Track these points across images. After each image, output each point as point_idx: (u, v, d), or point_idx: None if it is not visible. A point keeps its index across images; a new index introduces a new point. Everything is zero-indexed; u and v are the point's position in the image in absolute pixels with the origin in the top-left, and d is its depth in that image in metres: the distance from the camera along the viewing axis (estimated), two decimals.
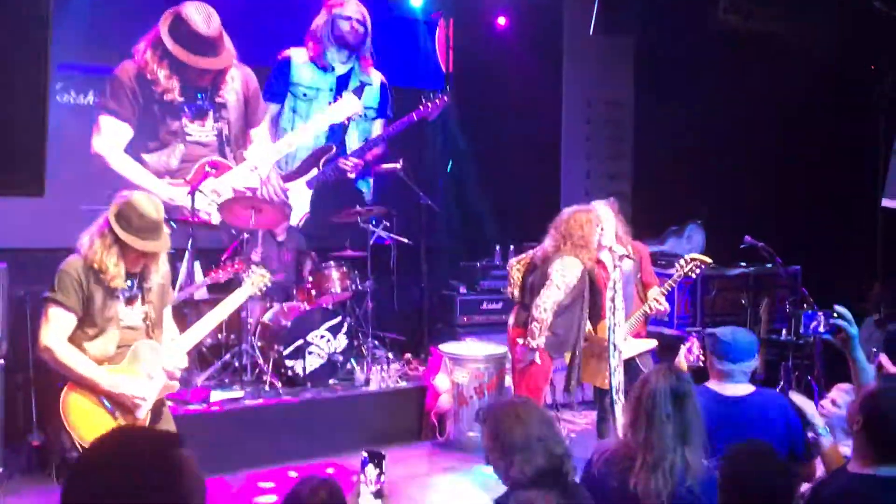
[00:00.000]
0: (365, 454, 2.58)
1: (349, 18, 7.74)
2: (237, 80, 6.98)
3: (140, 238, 3.46)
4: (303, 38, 7.78)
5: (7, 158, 2.97)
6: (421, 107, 7.48)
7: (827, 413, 3.60)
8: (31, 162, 3.00)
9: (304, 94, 7.78)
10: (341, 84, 7.92)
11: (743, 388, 3.58)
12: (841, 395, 3.63)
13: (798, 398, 3.39)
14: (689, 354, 4.57)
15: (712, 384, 3.67)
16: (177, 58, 6.52)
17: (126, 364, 3.53)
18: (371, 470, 2.52)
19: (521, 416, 2.86)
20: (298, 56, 7.78)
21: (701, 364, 4.34)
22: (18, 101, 3.00)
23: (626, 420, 3.06)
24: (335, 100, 7.71)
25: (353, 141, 8.08)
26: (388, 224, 7.29)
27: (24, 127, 3.01)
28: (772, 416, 3.45)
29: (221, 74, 6.84)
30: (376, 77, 8.13)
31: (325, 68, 7.82)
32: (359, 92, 7.90)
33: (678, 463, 2.80)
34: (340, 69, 7.91)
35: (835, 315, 2.85)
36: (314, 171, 7.77)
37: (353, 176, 7.78)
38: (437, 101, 7.48)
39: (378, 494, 2.52)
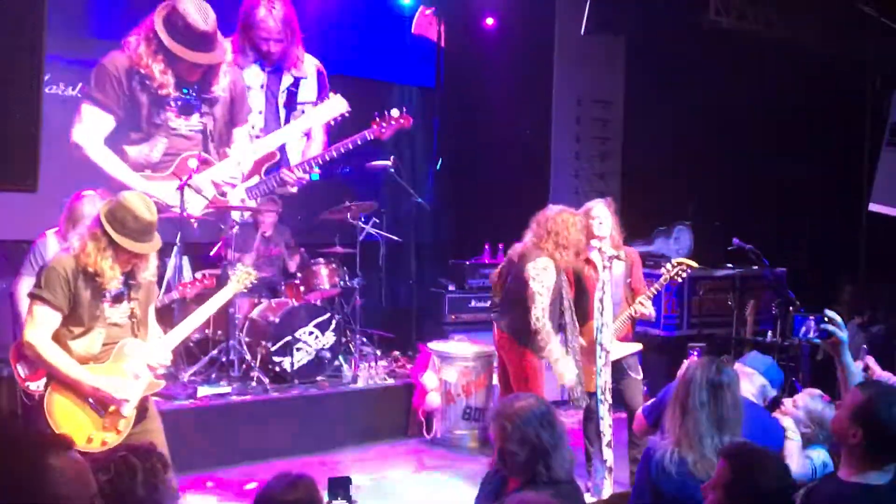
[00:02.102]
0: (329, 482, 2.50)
1: (264, 20, 7.23)
2: (227, 78, 6.92)
3: (134, 240, 3.44)
4: (232, 30, 7.28)
5: (1, 152, 2.95)
6: (374, 125, 6.90)
7: (787, 412, 3.66)
8: (24, 156, 2.97)
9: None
10: (273, 79, 7.61)
11: None
12: (804, 398, 3.69)
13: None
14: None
15: None
16: (171, 52, 6.45)
17: (111, 363, 3.52)
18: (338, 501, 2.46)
19: (548, 416, 2.89)
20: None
21: None
22: (11, 93, 2.97)
23: (668, 419, 3.11)
24: (271, 94, 7.49)
25: (293, 138, 7.64)
26: (377, 221, 7.29)
27: (16, 120, 2.98)
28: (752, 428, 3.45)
29: (213, 70, 6.77)
30: (311, 66, 7.76)
31: (244, 65, 7.37)
32: (295, 87, 7.70)
33: (715, 452, 2.86)
34: (270, 67, 7.56)
35: (825, 320, 2.89)
36: (255, 179, 7.26)
37: (293, 190, 7.26)
38: (391, 121, 6.91)
39: None
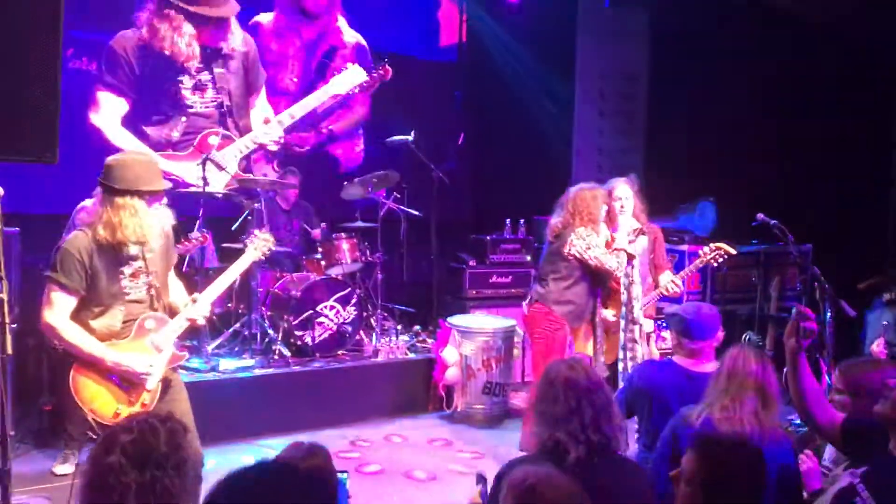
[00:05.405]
0: None
1: None
2: (239, 33, 6.95)
3: (155, 183, 3.47)
4: (272, 4, 7.66)
5: (21, 125, 2.96)
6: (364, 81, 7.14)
7: None
8: (44, 129, 2.99)
9: (273, 63, 7.65)
10: (309, 50, 7.74)
11: (710, 366, 3.64)
12: None
13: None
14: (660, 342, 4.62)
15: (679, 359, 3.80)
16: (193, 14, 6.47)
17: (132, 338, 3.53)
18: None
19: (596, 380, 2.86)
20: (267, 22, 7.61)
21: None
22: (30, 68, 2.98)
23: (713, 391, 3.17)
24: (309, 65, 7.51)
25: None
26: (398, 196, 7.28)
27: (36, 94, 3.00)
28: None
29: (225, 26, 6.79)
30: (350, 39, 7.90)
31: (290, 35, 7.61)
32: (330, 56, 7.71)
33: (752, 420, 2.98)
34: (308, 34, 7.73)
35: (799, 315, 2.91)
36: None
37: (274, 149, 7.36)
38: (375, 73, 7.12)
39: None
